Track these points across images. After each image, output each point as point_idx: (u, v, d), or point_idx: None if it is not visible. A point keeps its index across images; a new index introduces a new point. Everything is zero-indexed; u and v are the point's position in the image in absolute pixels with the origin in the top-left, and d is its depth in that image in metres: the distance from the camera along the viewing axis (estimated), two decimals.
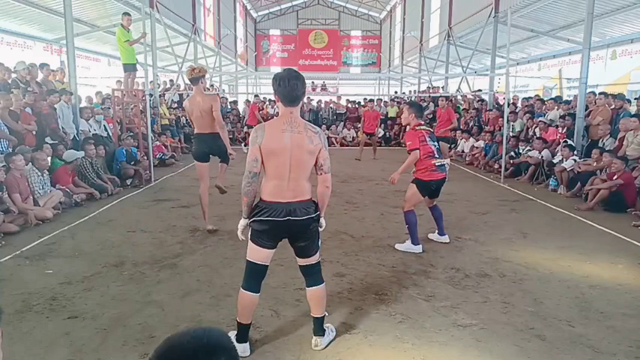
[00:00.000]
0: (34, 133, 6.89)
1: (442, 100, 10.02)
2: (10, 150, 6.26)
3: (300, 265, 2.88)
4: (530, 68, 17.26)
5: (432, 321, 3.22)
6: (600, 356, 2.81)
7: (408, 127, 4.84)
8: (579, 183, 7.37)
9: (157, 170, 9.02)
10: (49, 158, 6.73)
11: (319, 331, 2.90)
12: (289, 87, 2.61)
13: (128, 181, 8.05)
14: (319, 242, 2.84)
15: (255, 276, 2.79)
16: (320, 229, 2.84)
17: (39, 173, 6.12)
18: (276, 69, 34.83)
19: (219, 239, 5.07)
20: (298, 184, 2.65)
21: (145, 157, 8.78)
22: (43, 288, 3.71)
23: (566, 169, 7.72)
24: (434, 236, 5.10)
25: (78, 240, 5.03)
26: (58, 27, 11.23)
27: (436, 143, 4.68)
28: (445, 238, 5.02)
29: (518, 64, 17.44)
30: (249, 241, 2.76)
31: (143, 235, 5.20)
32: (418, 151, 4.53)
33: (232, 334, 2.79)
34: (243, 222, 2.84)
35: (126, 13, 9.38)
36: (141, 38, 9.02)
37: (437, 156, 4.58)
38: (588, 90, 9.32)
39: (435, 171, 4.57)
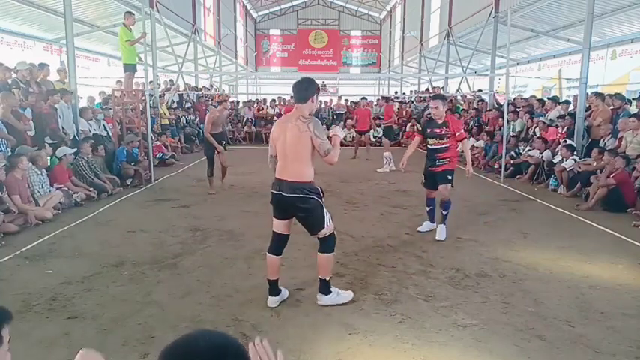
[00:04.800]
0: (29, 133, 6.88)
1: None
2: (10, 150, 6.26)
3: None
4: (530, 68, 17.25)
5: (432, 321, 3.22)
6: (600, 356, 2.80)
7: (438, 121, 5.07)
8: (579, 183, 7.37)
9: (157, 170, 9.02)
10: (48, 158, 6.74)
11: (322, 288, 3.42)
12: (296, 89, 3.32)
13: (128, 181, 8.05)
14: (325, 222, 3.30)
15: (274, 242, 3.45)
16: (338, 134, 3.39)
17: (38, 172, 6.13)
18: (276, 69, 34.90)
19: (219, 239, 5.08)
20: (293, 166, 3.23)
21: (145, 157, 8.78)
22: (43, 288, 3.71)
23: (566, 169, 7.72)
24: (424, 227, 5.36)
25: (78, 240, 5.03)
26: (58, 27, 11.22)
27: None
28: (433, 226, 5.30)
29: (518, 64, 17.44)
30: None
31: (143, 235, 5.20)
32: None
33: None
34: None
35: (129, 13, 9.38)
36: (141, 38, 9.01)
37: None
38: (588, 90, 9.31)
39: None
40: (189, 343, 0.95)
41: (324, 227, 3.31)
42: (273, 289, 3.44)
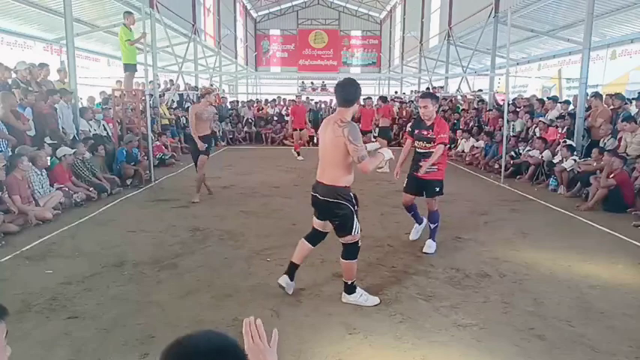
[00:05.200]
0: (28, 133, 6.88)
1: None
2: (10, 150, 6.26)
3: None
4: (530, 68, 17.24)
5: (432, 321, 3.22)
6: (600, 356, 2.81)
7: (429, 121, 4.56)
8: (579, 183, 7.37)
9: (157, 170, 9.02)
10: (48, 158, 6.74)
11: (345, 289, 3.48)
12: (338, 91, 3.27)
13: (128, 181, 8.04)
14: (352, 231, 3.29)
15: (311, 233, 3.55)
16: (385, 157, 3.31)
17: (38, 172, 6.13)
18: (276, 69, 34.89)
19: (220, 239, 5.07)
20: (326, 169, 3.27)
21: (145, 157, 8.78)
22: (43, 288, 3.71)
23: (566, 169, 7.72)
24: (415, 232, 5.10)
25: (78, 240, 5.03)
26: (58, 27, 11.21)
27: None
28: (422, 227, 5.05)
29: (518, 64, 17.43)
30: None
31: (143, 235, 5.20)
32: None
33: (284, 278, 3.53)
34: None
35: (128, 12, 9.37)
36: (141, 38, 9.01)
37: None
38: (588, 90, 9.31)
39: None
40: (188, 345, 0.96)
41: (350, 234, 3.31)
42: (291, 271, 3.55)
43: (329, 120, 3.30)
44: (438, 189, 4.60)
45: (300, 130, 12.29)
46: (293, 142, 15.35)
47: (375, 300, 3.49)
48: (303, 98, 17.77)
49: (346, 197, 3.24)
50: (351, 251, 3.38)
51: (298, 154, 11.84)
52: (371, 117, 11.71)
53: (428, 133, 4.54)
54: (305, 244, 3.54)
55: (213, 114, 7.15)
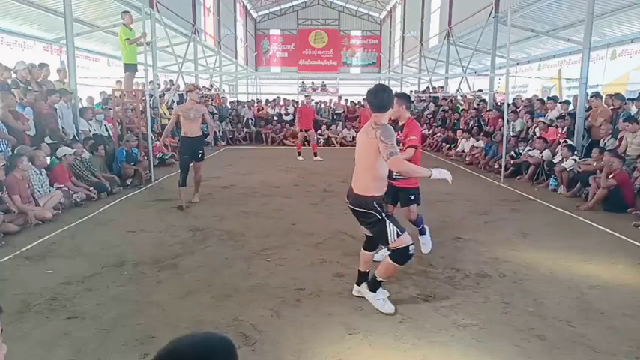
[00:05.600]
0: (28, 133, 6.88)
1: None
2: (10, 150, 6.26)
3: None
4: (530, 68, 17.24)
5: (432, 321, 3.22)
6: (600, 356, 2.81)
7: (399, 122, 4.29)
8: (579, 183, 7.37)
9: (157, 170, 9.02)
10: (48, 158, 6.74)
11: (370, 284, 3.45)
12: (371, 98, 3.24)
13: (128, 181, 8.04)
14: (389, 238, 3.17)
15: (365, 242, 3.57)
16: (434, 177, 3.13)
17: (37, 172, 6.13)
18: (276, 69, 34.90)
19: (220, 239, 5.07)
20: (360, 177, 3.25)
21: (145, 157, 8.78)
22: (43, 288, 3.71)
23: (566, 169, 7.72)
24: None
25: (78, 240, 5.03)
26: (58, 27, 11.22)
27: None
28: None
29: (518, 64, 17.43)
30: None
31: (143, 235, 5.20)
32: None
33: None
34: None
35: (126, 12, 9.37)
36: (140, 38, 9.02)
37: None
38: (588, 90, 9.31)
39: None
40: (176, 348, 0.96)
41: (389, 243, 3.20)
42: (360, 278, 3.59)
43: (368, 126, 3.22)
44: (412, 197, 4.35)
45: (307, 130, 12.03)
46: (293, 142, 15.39)
47: (391, 308, 3.34)
48: (303, 98, 17.79)
49: (371, 207, 3.18)
50: (399, 254, 3.19)
51: (299, 154, 11.81)
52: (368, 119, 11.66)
53: (397, 135, 4.12)
54: (362, 252, 3.58)
55: (204, 113, 6.43)
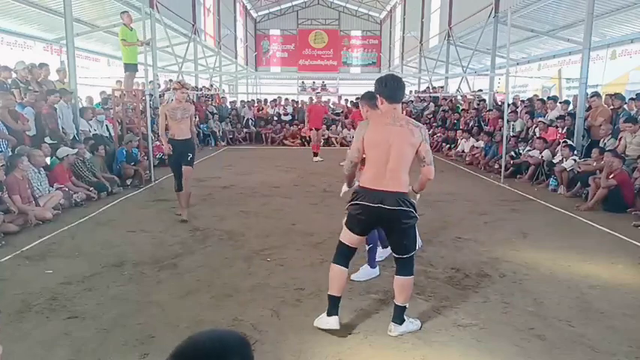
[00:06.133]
0: (28, 133, 6.88)
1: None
2: (10, 150, 6.26)
3: (393, 255, 3.08)
4: (530, 68, 17.23)
5: (432, 321, 3.22)
6: (600, 356, 2.80)
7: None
8: (579, 183, 7.37)
9: (157, 170, 9.01)
10: (48, 158, 6.74)
11: (396, 318, 3.02)
12: (392, 87, 2.95)
13: (128, 181, 8.04)
14: (417, 244, 2.97)
15: (343, 254, 3.04)
16: (416, 198, 2.99)
17: (35, 170, 6.12)
18: (276, 69, 34.88)
19: (219, 239, 5.07)
20: (396, 175, 2.83)
21: (145, 157, 8.78)
22: (43, 288, 3.71)
23: (566, 169, 7.72)
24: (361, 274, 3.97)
25: (78, 240, 5.03)
26: (58, 27, 11.21)
27: None
28: (375, 272, 4.00)
29: (518, 64, 17.42)
30: (344, 224, 3.03)
31: (143, 235, 5.20)
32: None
33: (322, 315, 3.02)
34: (345, 187, 3.33)
35: (124, 12, 9.38)
36: (138, 44, 9.10)
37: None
38: (588, 90, 9.31)
39: None
40: (191, 344, 0.99)
41: (415, 247, 3.00)
42: (334, 306, 2.99)
43: (385, 120, 2.88)
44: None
45: (317, 129, 11.93)
46: (293, 142, 15.38)
47: (419, 323, 3.13)
48: (305, 98, 17.77)
49: (413, 205, 2.87)
50: (412, 265, 2.99)
51: (315, 155, 11.49)
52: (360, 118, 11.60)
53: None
54: (339, 269, 2.99)
55: (191, 114, 5.73)
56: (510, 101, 11.71)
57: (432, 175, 2.93)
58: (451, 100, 16.18)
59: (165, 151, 5.81)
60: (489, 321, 3.22)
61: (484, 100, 13.89)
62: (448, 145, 13.35)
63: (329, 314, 2.99)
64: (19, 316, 3.23)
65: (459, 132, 12.85)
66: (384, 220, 2.88)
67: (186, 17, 16.94)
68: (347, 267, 3.02)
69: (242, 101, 18.27)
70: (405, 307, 3.03)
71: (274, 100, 18.02)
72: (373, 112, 3.51)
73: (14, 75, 7.89)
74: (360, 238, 3.03)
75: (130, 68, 9.54)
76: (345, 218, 3.01)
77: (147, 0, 12.26)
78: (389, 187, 2.82)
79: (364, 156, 2.96)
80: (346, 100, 18.43)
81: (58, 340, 2.93)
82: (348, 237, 3.00)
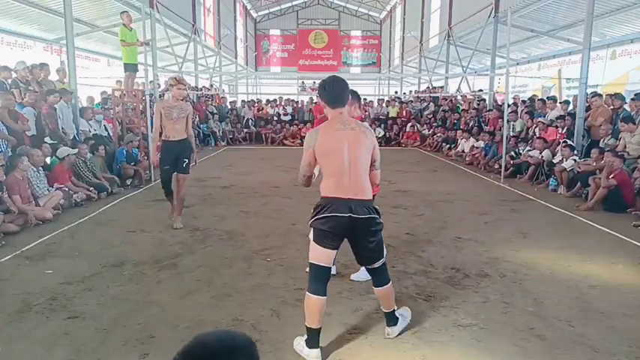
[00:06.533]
0: (27, 133, 6.87)
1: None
2: (10, 150, 6.26)
3: (366, 268, 2.99)
4: (530, 68, 17.25)
5: (432, 321, 3.22)
6: (600, 356, 2.80)
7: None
8: (579, 183, 7.37)
9: (156, 170, 8.99)
10: (48, 158, 6.73)
11: (390, 322, 3.00)
12: (333, 91, 2.77)
13: (128, 181, 8.05)
14: (384, 252, 2.90)
15: (320, 278, 2.76)
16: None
17: (35, 169, 6.12)
18: (276, 69, 34.90)
19: (219, 239, 5.07)
20: (358, 181, 2.68)
21: (145, 157, 8.78)
22: (43, 288, 3.71)
23: (566, 169, 7.72)
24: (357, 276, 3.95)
25: (78, 240, 5.03)
26: (58, 27, 11.22)
27: None
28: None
29: (518, 64, 17.44)
30: (312, 242, 2.76)
31: (143, 235, 5.20)
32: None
33: (301, 340, 2.81)
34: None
35: (124, 12, 9.38)
36: (137, 44, 9.10)
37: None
38: (588, 90, 9.32)
39: None
40: (204, 340, 1.01)
41: (383, 255, 2.90)
42: (313, 340, 2.74)
43: (335, 125, 2.71)
44: None
45: None
46: (293, 142, 15.38)
47: (408, 309, 3.18)
48: (305, 98, 17.78)
49: (378, 211, 2.79)
50: (387, 272, 2.93)
51: None
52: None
53: None
54: (319, 300, 2.72)
55: (189, 114, 5.33)
56: (510, 101, 11.71)
57: (378, 180, 2.86)
58: (451, 100, 16.19)
59: (152, 160, 5.38)
60: (489, 321, 3.22)
61: (484, 100, 13.90)
62: (448, 145, 13.36)
63: (310, 347, 2.74)
64: (19, 316, 3.23)
65: (459, 132, 12.86)
66: (354, 230, 2.70)
67: (186, 17, 16.94)
68: (326, 295, 2.74)
69: (242, 101, 18.30)
70: (394, 310, 3.01)
71: (274, 100, 18.03)
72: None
73: (14, 75, 7.89)
74: (333, 252, 2.75)
75: (130, 68, 9.54)
76: (312, 235, 2.75)
77: (147, 0, 12.26)
78: (356, 195, 2.65)
79: (318, 167, 2.83)
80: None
81: (58, 340, 2.93)
82: (320, 255, 2.72)
